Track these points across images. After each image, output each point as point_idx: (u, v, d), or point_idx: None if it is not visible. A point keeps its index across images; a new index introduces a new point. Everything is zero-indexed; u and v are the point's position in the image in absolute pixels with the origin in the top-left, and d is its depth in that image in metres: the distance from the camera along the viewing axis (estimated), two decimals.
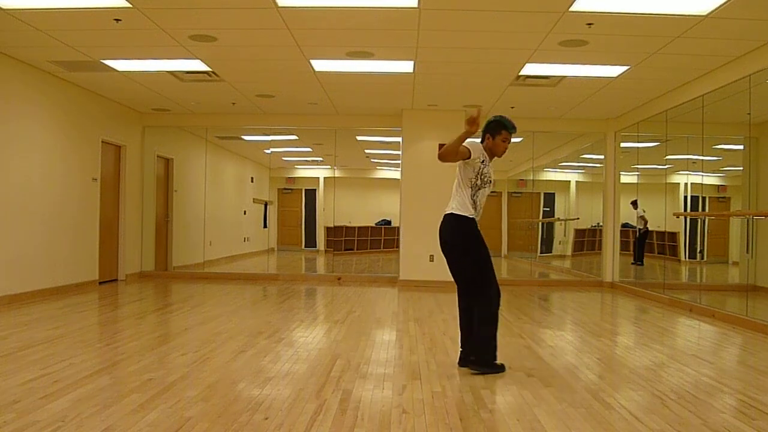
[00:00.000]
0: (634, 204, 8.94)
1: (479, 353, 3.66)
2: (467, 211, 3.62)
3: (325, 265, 13.03)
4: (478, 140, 3.71)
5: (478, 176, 3.61)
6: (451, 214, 3.66)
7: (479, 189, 3.64)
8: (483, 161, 3.61)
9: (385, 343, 4.58)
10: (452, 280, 3.79)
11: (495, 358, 3.68)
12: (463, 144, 3.41)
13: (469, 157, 3.51)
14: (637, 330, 5.54)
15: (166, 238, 9.88)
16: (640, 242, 9.12)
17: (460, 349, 3.82)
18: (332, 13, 4.88)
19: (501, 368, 3.69)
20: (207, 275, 9.53)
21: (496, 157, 3.75)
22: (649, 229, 8.97)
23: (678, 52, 5.60)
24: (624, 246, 9.21)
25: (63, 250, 7.19)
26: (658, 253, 9.09)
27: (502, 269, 12.37)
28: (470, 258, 3.64)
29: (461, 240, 3.64)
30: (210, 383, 3.36)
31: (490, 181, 3.69)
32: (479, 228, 3.69)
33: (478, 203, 3.65)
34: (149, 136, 9.39)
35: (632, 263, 9.13)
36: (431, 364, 3.94)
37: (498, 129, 3.66)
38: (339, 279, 9.37)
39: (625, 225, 9.18)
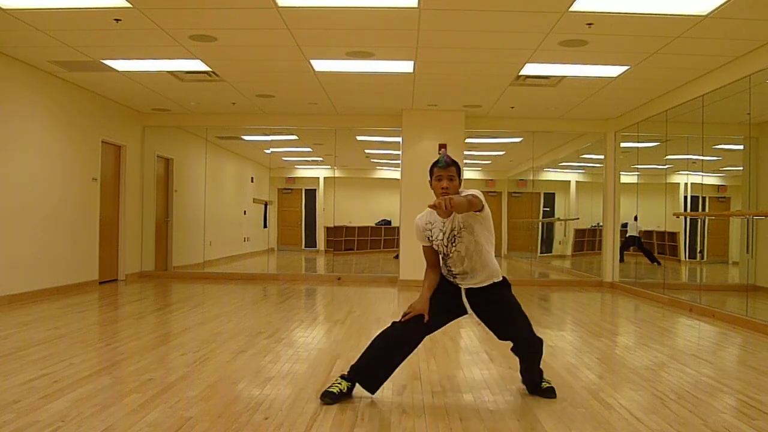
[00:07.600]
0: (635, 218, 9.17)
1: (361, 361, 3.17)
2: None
3: (325, 265, 13.03)
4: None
5: (437, 246, 3.09)
6: None
7: (446, 257, 3.10)
8: (430, 230, 3.07)
9: None
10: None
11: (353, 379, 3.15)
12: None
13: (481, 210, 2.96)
14: (637, 330, 5.54)
15: (166, 238, 9.88)
16: (641, 246, 9.28)
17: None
18: (332, 13, 4.88)
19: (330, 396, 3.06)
20: (207, 275, 9.53)
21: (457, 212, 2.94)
22: (635, 234, 9.25)
23: (678, 52, 5.60)
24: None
25: (63, 250, 7.19)
26: (659, 253, 9.10)
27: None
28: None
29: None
30: (210, 383, 3.36)
31: (453, 242, 3.03)
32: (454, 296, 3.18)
33: (450, 267, 3.12)
34: (149, 136, 9.39)
35: (655, 264, 9.16)
36: (431, 364, 3.95)
37: (431, 172, 3.03)
38: (339, 279, 9.37)
39: (625, 225, 9.19)
